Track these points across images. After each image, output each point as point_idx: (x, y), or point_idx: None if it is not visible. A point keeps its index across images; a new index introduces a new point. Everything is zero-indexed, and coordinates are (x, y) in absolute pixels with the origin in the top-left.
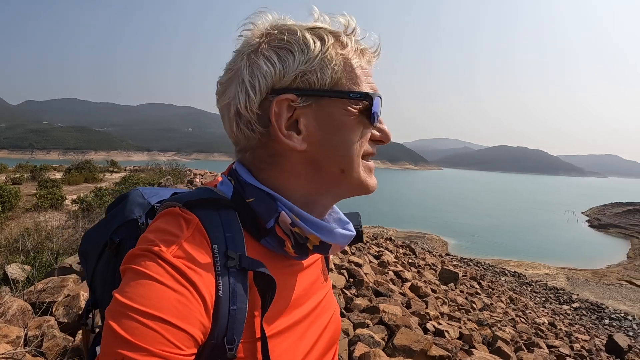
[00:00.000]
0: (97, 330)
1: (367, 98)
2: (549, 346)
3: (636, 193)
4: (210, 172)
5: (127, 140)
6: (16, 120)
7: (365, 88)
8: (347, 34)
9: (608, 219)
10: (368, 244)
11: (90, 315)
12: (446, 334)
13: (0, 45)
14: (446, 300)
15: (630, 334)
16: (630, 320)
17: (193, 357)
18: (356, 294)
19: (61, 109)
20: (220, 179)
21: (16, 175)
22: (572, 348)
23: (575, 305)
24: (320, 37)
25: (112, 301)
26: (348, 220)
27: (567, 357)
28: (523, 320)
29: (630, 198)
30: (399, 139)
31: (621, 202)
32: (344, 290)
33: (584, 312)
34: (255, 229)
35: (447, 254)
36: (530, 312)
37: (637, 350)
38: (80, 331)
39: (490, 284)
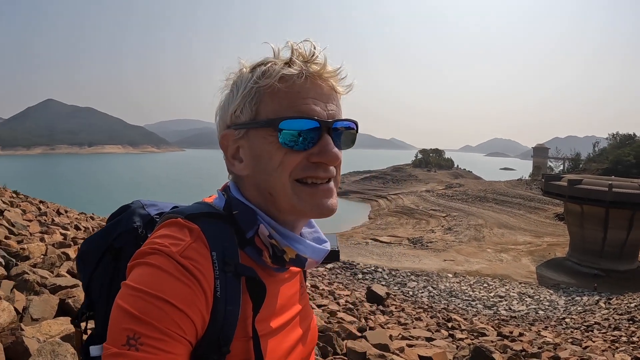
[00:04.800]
0: (90, 332)
1: (272, 124)
2: (318, 305)
3: (368, 162)
4: None
5: None
6: None
7: (289, 113)
8: (285, 62)
9: (347, 187)
10: None
11: (84, 317)
12: None
13: None
14: None
15: (383, 283)
16: (381, 272)
17: (191, 345)
18: None
19: None
20: (215, 195)
21: None
22: (338, 304)
23: (329, 266)
24: (253, 72)
25: (121, 289)
26: (326, 239)
27: (338, 312)
28: None
29: (362, 167)
30: (140, 122)
31: (358, 170)
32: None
33: (339, 271)
34: (241, 239)
35: None
36: None
37: (393, 296)
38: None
39: None
